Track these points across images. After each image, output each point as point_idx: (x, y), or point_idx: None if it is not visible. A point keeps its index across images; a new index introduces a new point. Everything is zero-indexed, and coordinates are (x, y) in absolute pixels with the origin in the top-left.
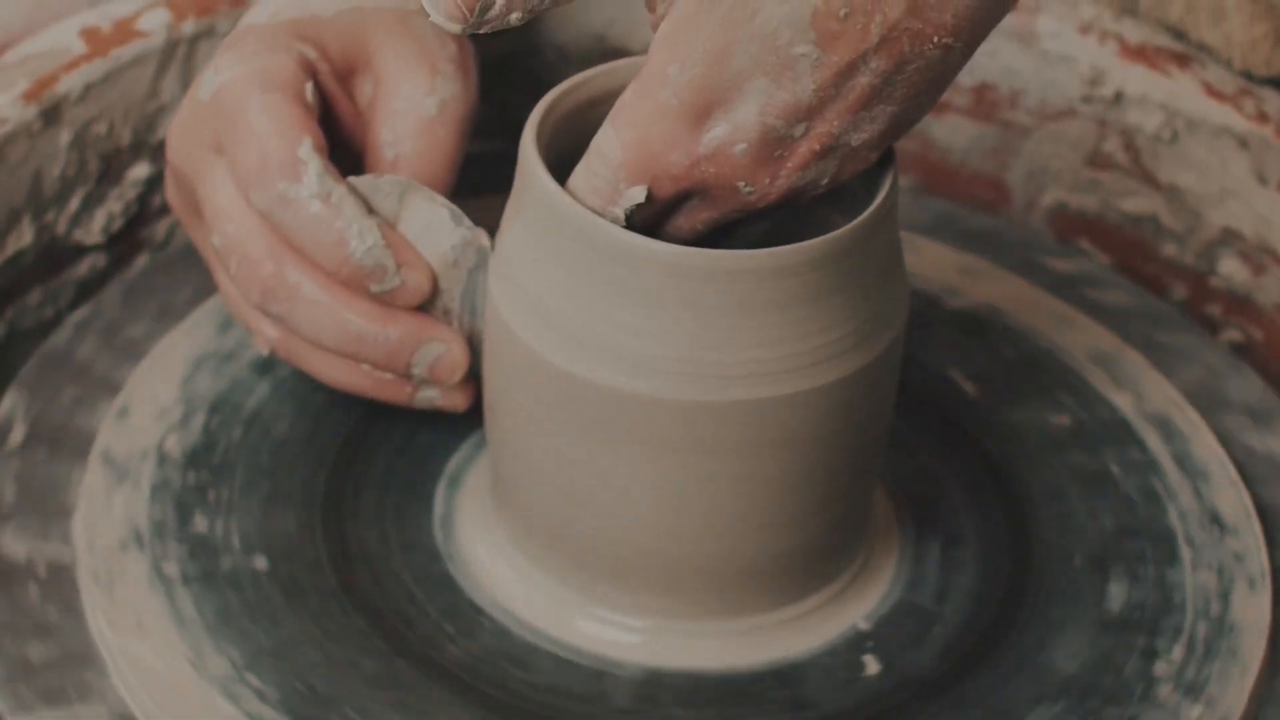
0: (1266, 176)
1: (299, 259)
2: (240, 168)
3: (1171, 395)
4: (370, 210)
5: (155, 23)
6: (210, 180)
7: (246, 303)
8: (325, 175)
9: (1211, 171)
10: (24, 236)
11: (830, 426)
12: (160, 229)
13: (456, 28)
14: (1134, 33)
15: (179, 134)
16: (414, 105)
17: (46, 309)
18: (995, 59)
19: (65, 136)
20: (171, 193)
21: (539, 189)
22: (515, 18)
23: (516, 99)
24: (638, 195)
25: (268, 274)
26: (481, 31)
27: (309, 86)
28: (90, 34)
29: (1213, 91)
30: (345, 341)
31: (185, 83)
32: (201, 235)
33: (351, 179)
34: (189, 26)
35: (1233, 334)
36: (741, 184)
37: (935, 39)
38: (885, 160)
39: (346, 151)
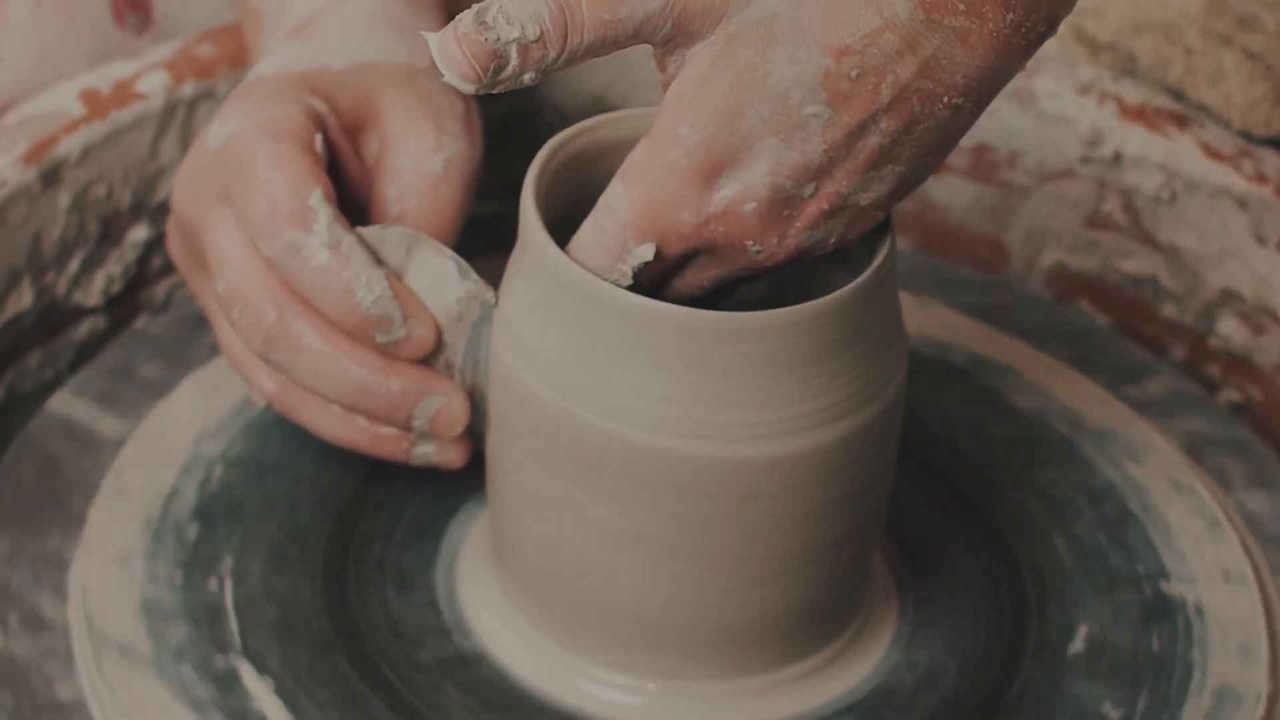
0: (1265, 237)
1: (303, 307)
2: (248, 216)
3: (1179, 465)
4: (378, 261)
5: (154, 85)
6: (216, 228)
7: (247, 351)
8: (335, 224)
9: (1210, 232)
10: (23, 298)
11: (833, 485)
12: (160, 291)
13: (470, 88)
14: (1133, 93)
15: (185, 183)
16: (420, 162)
17: (46, 371)
18: (994, 119)
19: (65, 199)
20: (174, 243)
21: (537, 248)
22: (528, 78)
23: (515, 160)
24: (646, 253)
25: (270, 321)
26: (495, 91)
27: (318, 138)
28: (89, 96)
29: (1211, 152)
30: (346, 392)
31: (185, 145)
32: (203, 285)
33: (360, 229)
34: (188, 89)
35: (1232, 394)
36: (750, 243)
37: (946, 99)
38: (882, 223)
39: (351, 206)
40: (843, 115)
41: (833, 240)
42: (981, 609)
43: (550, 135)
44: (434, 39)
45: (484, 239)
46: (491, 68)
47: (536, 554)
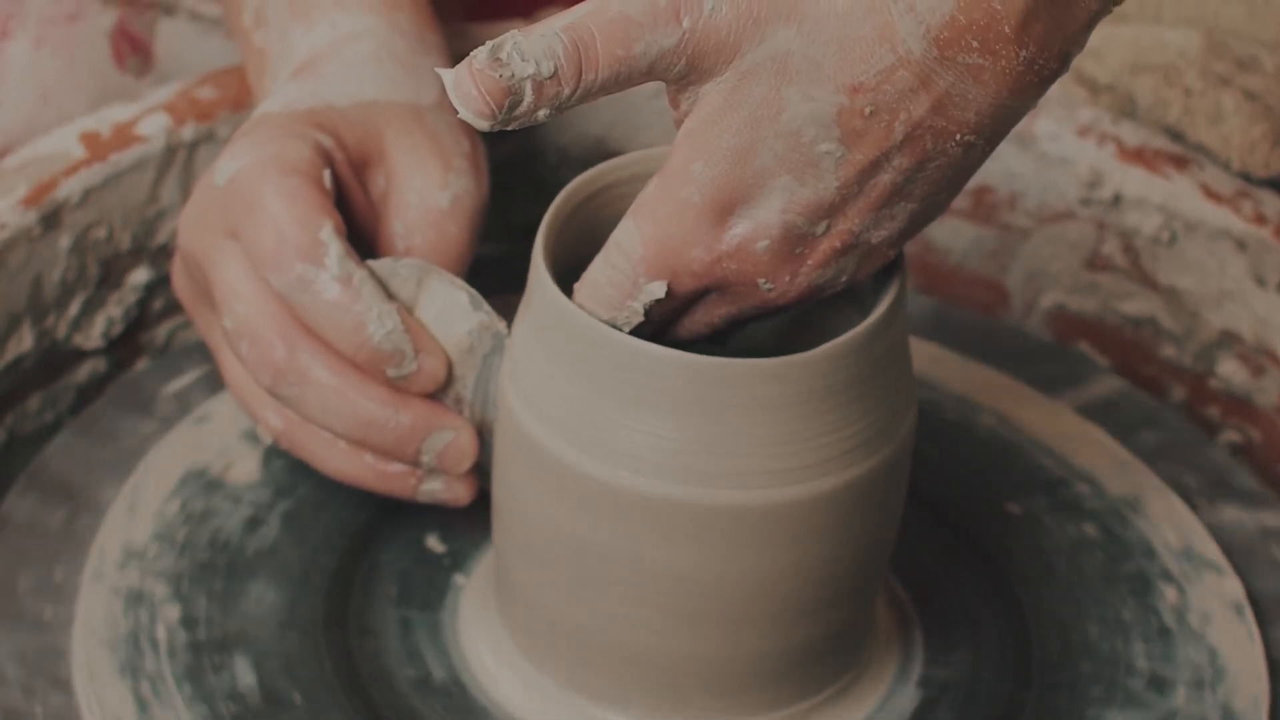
0: (1265, 278)
1: (312, 341)
2: (257, 250)
3: (1198, 531)
4: (389, 294)
5: (155, 128)
6: (223, 264)
7: (254, 387)
8: (346, 258)
9: (1210, 273)
10: (24, 341)
11: (841, 529)
12: (160, 333)
13: (485, 125)
14: (1132, 135)
15: (192, 219)
16: (427, 198)
17: (46, 414)
18: (994, 161)
19: (65, 241)
20: (179, 280)
21: (545, 295)
22: (543, 114)
23: (517, 202)
24: (657, 290)
25: (279, 356)
26: (509, 128)
27: (327, 173)
28: (90, 139)
29: (1211, 193)
30: (355, 426)
31: (185, 187)
32: (209, 322)
33: (370, 262)
34: (188, 131)
35: (1232, 435)
36: (762, 281)
37: (958, 136)
38: (893, 262)
39: (357, 243)
40: (856, 153)
41: (844, 278)
42: (984, 652)
43: (553, 177)
44: (449, 75)
45: (487, 280)
46: (506, 104)
47: (539, 595)
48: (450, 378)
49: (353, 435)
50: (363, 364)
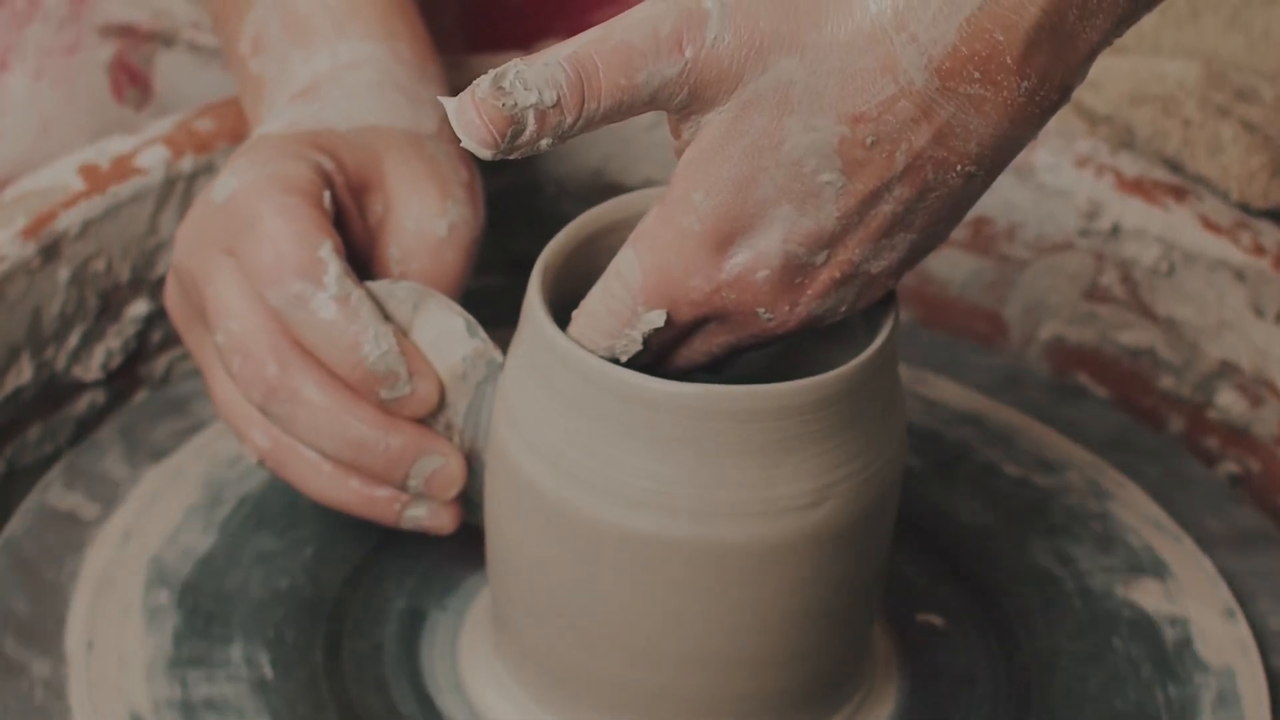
0: (1263, 309)
1: (304, 360)
2: (254, 267)
3: (1210, 574)
4: (385, 316)
5: (153, 160)
6: (218, 280)
7: (243, 405)
8: (344, 278)
9: (1208, 304)
10: (23, 373)
11: (833, 561)
12: (159, 365)
13: (488, 153)
14: (1131, 166)
15: (189, 234)
16: (424, 225)
17: (45, 445)
18: (993, 192)
19: (64, 273)
20: (173, 297)
21: (536, 325)
22: (545, 143)
23: (515, 234)
24: (656, 319)
25: (272, 373)
26: (511, 157)
27: (326, 194)
28: (89, 171)
29: (1209, 224)
30: (345, 447)
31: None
32: (200, 340)
33: (368, 283)
34: (187, 163)
35: (1230, 466)
36: (761, 310)
37: (959, 167)
38: (887, 296)
39: (353, 267)
40: (857, 183)
41: (843, 308)
42: (981, 682)
43: (551, 209)
44: (451, 104)
45: (483, 311)
46: (509, 133)
47: (535, 627)
48: (442, 403)
49: (342, 456)
50: (356, 384)
